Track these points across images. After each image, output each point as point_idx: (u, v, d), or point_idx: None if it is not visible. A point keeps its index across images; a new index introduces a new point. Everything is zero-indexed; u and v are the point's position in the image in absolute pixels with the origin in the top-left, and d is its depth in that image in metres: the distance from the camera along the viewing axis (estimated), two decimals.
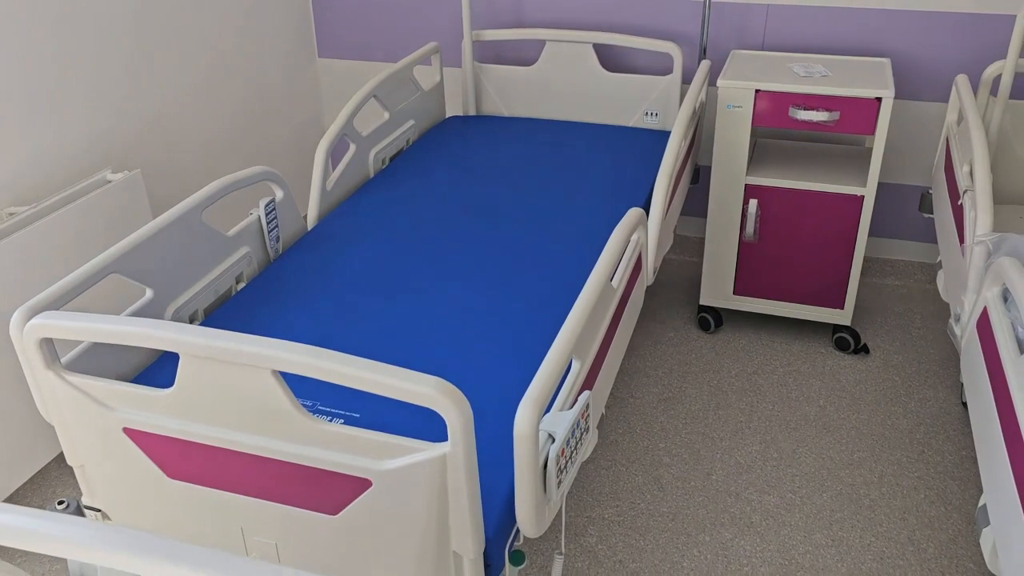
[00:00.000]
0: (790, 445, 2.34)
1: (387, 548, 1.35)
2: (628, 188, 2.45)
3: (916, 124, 2.90)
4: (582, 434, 1.45)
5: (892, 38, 2.80)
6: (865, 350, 2.71)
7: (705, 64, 2.68)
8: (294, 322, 1.86)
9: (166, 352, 1.78)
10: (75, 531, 0.89)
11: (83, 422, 1.45)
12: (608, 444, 2.36)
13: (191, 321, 1.86)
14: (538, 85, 3.03)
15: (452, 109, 3.36)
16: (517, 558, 1.47)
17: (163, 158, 2.69)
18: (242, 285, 2.02)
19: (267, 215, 2.08)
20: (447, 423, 1.19)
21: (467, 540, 1.30)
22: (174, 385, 1.35)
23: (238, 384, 1.30)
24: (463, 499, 1.25)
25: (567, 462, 1.39)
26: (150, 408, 1.39)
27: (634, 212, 1.83)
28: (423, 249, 2.15)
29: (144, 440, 1.42)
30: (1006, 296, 1.70)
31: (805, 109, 2.43)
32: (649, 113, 2.94)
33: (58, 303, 1.51)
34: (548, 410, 1.44)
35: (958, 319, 1.91)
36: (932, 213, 2.60)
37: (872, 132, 2.42)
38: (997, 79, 2.63)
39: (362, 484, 1.31)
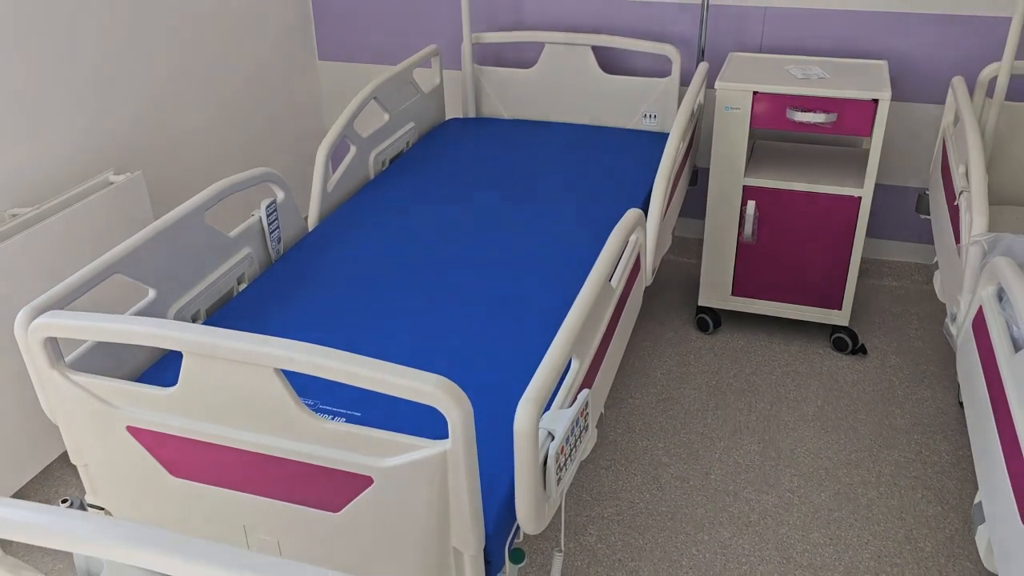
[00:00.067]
0: (788, 445, 2.36)
1: (388, 545, 1.36)
2: (627, 189, 2.47)
3: (913, 126, 2.91)
4: (581, 432, 1.46)
5: (889, 40, 2.81)
6: (863, 350, 2.72)
7: (703, 66, 2.70)
8: (295, 322, 1.88)
9: (169, 352, 1.79)
10: (81, 525, 0.91)
11: (87, 421, 1.46)
12: (607, 444, 2.37)
13: (193, 321, 1.88)
14: (537, 87, 3.04)
15: (452, 111, 3.38)
16: (517, 556, 1.48)
17: (164, 160, 2.70)
18: (244, 286, 2.04)
19: (268, 216, 2.09)
20: (448, 420, 1.20)
21: (468, 536, 1.31)
22: (177, 384, 1.36)
23: (241, 382, 1.31)
24: (464, 496, 1.26)
25: (567, 459, 1.40)
26: (154, 407, 1.40)
27: (633, 213, 1.84)
28: (423, 250, 2.16)
29: (147, 438, 1.43)
30: (1001, 295, 1.72)
31: (803, 111, 2.45)
32: (648, 115, 2.96)
33: (62, 303, 1.53)
34: (548, 408, 1.46)
35: (954, 319, 1.93)
36: (929, 214, 2.61)
37: (869, 134, 2.44)
38: (993, 81, 2.64)
39: (364, 481, 1.32)
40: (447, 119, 3.09)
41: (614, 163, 2.65)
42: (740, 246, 2.68)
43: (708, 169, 3.01)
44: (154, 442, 1.43)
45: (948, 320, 1.98)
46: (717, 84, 2.50)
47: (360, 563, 1.40)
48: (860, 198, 2.51)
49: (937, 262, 2.32)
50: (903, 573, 1.97)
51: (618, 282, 1.80)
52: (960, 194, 2.06)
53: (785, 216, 2.60)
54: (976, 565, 1.99)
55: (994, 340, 1.61)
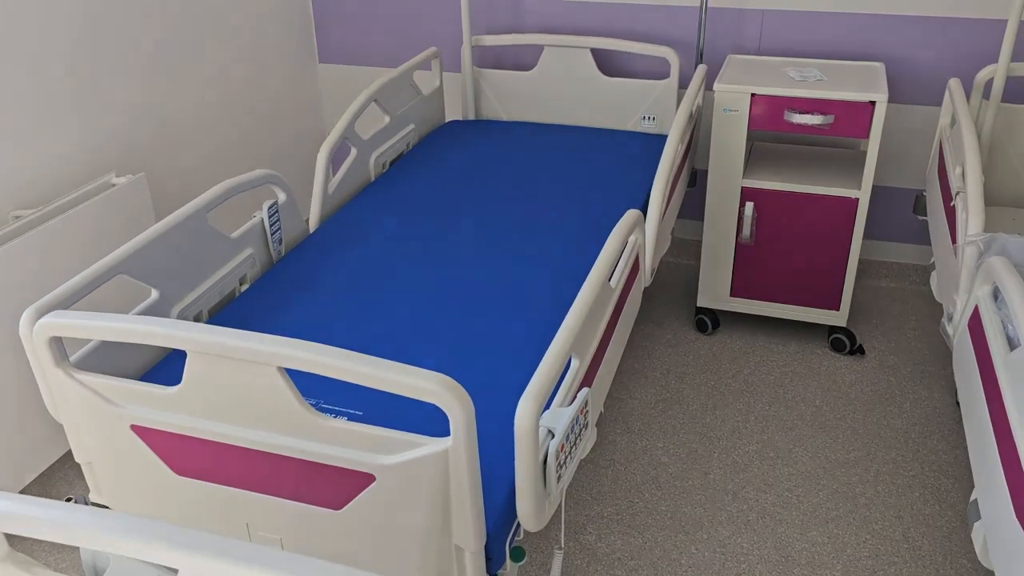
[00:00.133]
0: (787, 444, 2.37)
1: (390, 542, 1.38)
2: (626, 191, 2.48)
3: (910, 127, 2.93)
4: (581, 430, 1.48)
5: (886, 43, 2.83)
6: (861, 351, 2.74)
7: (701, 69, 2.72)
8: (297, 322, 1.89)
9: (171, 351, 1.81)
10: (89, 520, 0.92)
11: (91, 419, 1.47)
12: (607, 444, 2.39)
13: (196, 321, 1.89)
14: (537, 89, 3.06)
15: (452, 113, 3.39)
16: (517, 554, 1.50)
17: (167, 162, 2.72)
18: (246, 286, 2.05)
19: (270, 217, 2.11)
20: (449, 418, 1.21)
21: (469, 533, 1.32)
22: (181, 383, 1.37)
23: (244, 381, 1.32)
24: (465, 493, 1.28)
25: (567, 457, 1.41)
26: (157, 405, 1.41)
27: (632, 213, 1.86)
28: (424, 250, 2.18)
29: (151, 437, 1.44)
30: (996, 295, 1.74)
31: (800, 113, 2.47)
32: (646, 117, 2.97)
33: (67, 303, 1.54)
34: (548, 407, 1.47)
35: (950, 318, 1.95)
36: (926, 215, 2.63)
37: (866, 135, 2.45)
38: (989, 83, 2.66)
39: (366, 479, 1.33)
40: (447, 121, 3.11)
41: (613, 165, 2.67)
42: (738, 247, 2.70)
43: (707, 171, 3.03)
44: (158, 440, 1.44)
45: (944, 320, 2.00)
46: (715, 86, 2.52)
47: (362, 560, 1.42)
48: (857, 199, 2.53)
49: (934, 263, 2.34)
50: (901, 571, 1.98)
51: (617, 282, 1.82)
52: (956, 195, 2.08)
53: (783, 217, 2.61)
54: (973, 563, 2.00)
55: (990, 339, 1.62)
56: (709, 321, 2.84)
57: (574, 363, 1.57)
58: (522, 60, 3.22)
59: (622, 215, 1.88)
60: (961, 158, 2.11)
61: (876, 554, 2.03)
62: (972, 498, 1.58)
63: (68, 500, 1.57)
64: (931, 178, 2.60)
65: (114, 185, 2.32)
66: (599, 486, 2.24)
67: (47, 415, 2.14)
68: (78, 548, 2.05)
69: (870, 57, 2.86)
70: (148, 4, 2.56)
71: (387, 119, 2.72)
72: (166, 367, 1.77)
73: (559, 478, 1.40)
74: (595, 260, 1.68)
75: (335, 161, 3.40)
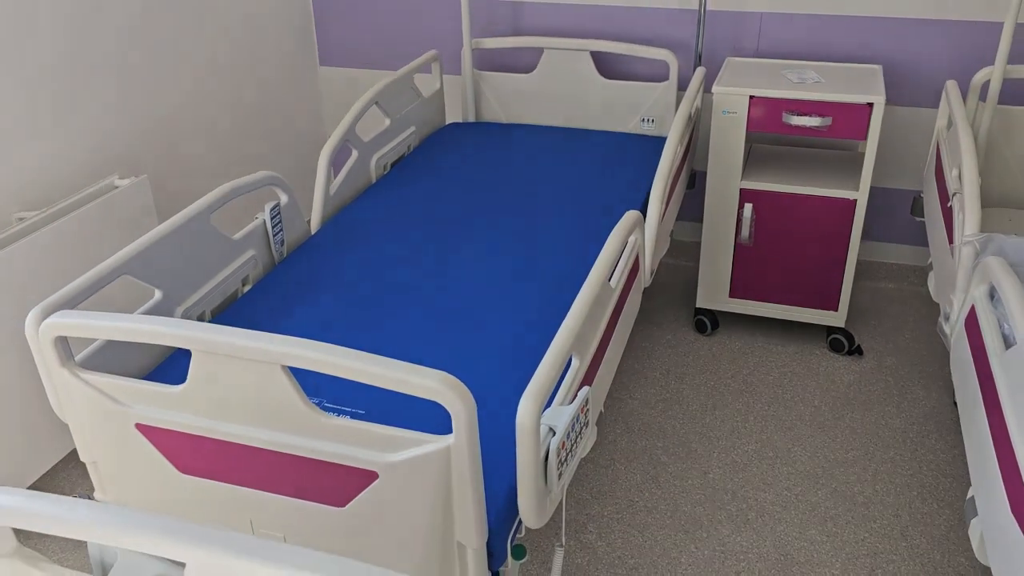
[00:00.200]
0: (786, 444, 2.39)
1: (393, 539, 1.39)
2: (625, 192, 2.50)
3: (907, 129, 2.95)
4: (582, 428, 1.49)
5: (883, 45, 2.85)
6: (859, 351, 2.75)
7: (700, 71, 2.74)
8: (299, 323, 1.91)
9: (175, 351, 1.82)
10: (97, 514, 0.93)
11: (96, 418, 1.49)
12: (607, 443, 2.40)
13: (199, 321, 1.90)
14: (537, 92, 3.08)
15: (452, 116, 3.41)
16: (518, 552, 1.51)
17: (168, 164, 2.73)
18: (248, 287, 2.07)
19: (272, 219, 2.12)
20: (451, 415, 1.23)
21: (471, 530, 1.34)
22: (186, 381, 1.39)
23: (249, 380, 1.34)
24: (467, 490, 1.29)
25: (567, 455, 1.43)
26: (162, 404, 1.43)
27: (631, 214, 1.87)
28: (425, 251, 2.19)
29: (156, 435, 1.46)
30: (993, 294, 1.75)
31: (798, 115, 2.48)
32: (646, 119, 2.99)
33: (72, 303, 1.56)
34: (549, 405, 1.49)
35: (947, 318, 1.96)
36: (923, 216, 2.65)
37: (864, 137, 2.47)
38: (986, 85, 2.68)
39: (369, 476, 1.35)
40: (447, 124, 3.12)
41: (613, 167, 2.68)
42: (737, 248, 2.71)
43: (706, 172, 3.04)
44: (162, 439, 1.45)
45: (941, 319, 2.01)
46: (714, 89, 2.54)
47: (365, 557, 1.43)
48: (855, 201, 2.55)
49: (931, 263, 2.36)
50: (899, 569, 2.00)
51: (617, 282, 1.83)
52: (953, 196, 2.10)
53: (782, 219, 2.63)
54: (970, 560, 2.02)
55: (986, 337, 1.64)
56: (708, 322, 2.85)
57: (574, 362, 1.58)
58: (522, 63, 3.24)
59: (621, 216, 1.89)
60: (958, 159, 2.13)
61: (874, 552, 2.04)
62: (969, 495, 1.59)
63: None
64: (928, 179, 2.62)
65: (117, 187, 2.34)
66: (599, 485, 2.26)
67: (50, 415, 2.15)
68: (85, 544, 2.07)
69: (867, 59, 2.88)
70: (151, 8, 2.57)
71: (388, 121, 2.74)
72: (170, 367, 1.78)
73: (560, 475, 1.41)
74: (595, 261, 1.69)
75: (336, 163, 3.42)
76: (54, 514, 0.95)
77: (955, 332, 1.88)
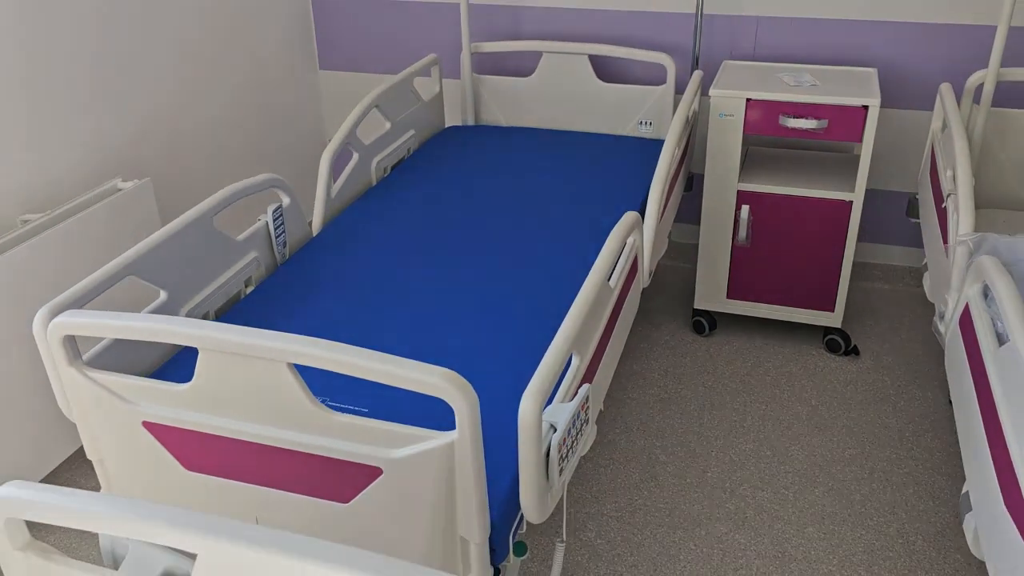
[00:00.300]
0: (783, 443, 2.41)
1: (397, 534, 1.41)
2: (624, 194, 2.52)
3: (902, 131, 2.98)
4: (582, 425, 1.51)
5: (878, 48, 2.88)
6: (855, 352, 2.78)
7: (697, 74, 2.76)
8: (301, 323, 1.93)
9: (179, 351, 1.84)
10: (110, 506, 0.95)
11: (104, 417, 1.51)
12: (606, 443, 2.42)
13: None
14: (535, 95, 3.10)
15: (451, 119, 3.44)
16: (520, 549, 1.53)
17: (171, 167, 2.76)
18: (251, 288, 2.09)
19: (275, 221, 2.14)
20: (455, 411, 1.25)
21: (474, 525, 1.36)
22: (193, 379, 1.41)
23: (255, 377, 1.36)
24: (470, 485, 1.31)
25: (568, 451, 1.45)
26: (169, 402, 1.45)
27: (630, 215, 1.90)
28: (425, 252, 2.21)
29: (163, 433, 1.48)
30: (986, 292, 1.78)
31: (795, 117, 2.51)
32: (643, 122, 3.02)
33: (79, 303, 1.58)
34: (550, 403, 1.51)
35: (942, 317, 1.99)
36: (919, 218, 2.67)
37: (860, 139, 2.50)
38: (980, 87, 2.71)
39: (373, 472, 1.37)
40: (447, 127, 3.15)
41: (611, 169, 2.71)
42: (735, 250, 2.74)
43: (703, 175, 3.07)
44: (169, 436, 1.47)
45: (937, 319, 2.04)
46: (711, 92, 2.56)
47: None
48: (851, 202, 2.57)
49: (926, 264, 2.38)
50: (895, 566, 2.02)
51: (616, 282, 1.85)
52: (948, 197, 2.12)
53: (778, 220, 2.66)
54: (966, 557, 2.04)
55: (980, 335, 1.66)
56: (706, 323, 2.88)
57: (575, 360, 1.60)
58: (521, 66, 3.27)
59: (620, 218, 1.92)
60: (952, 161, 2.16)
61: (871, 549, 2.07)
62: (963, 491, 1.62)
63: None
64: (923, 181, 2.64)
65: (120, 190, 2.36)
66: (599, 484, 2.28)
67: (55, 414, 2.17)
68: (93, 538, 2.08)
69: (863, 62, 2.91)
70: (152, 13, 2.60)
71: (388, 125, 2.76)
72: (174, 366, 1.80)
73: (561, 471, 1.43)
74: (594, 261, 1.72)
75: (337, 166, 3.45)
76: (69, 506, 0.97)
77: (950, 331, 1.90)
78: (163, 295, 1.81)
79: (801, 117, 2.51)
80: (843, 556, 2.05)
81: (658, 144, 2.91)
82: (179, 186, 2.80)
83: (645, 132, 3.03)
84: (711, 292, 2.82)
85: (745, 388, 2.63)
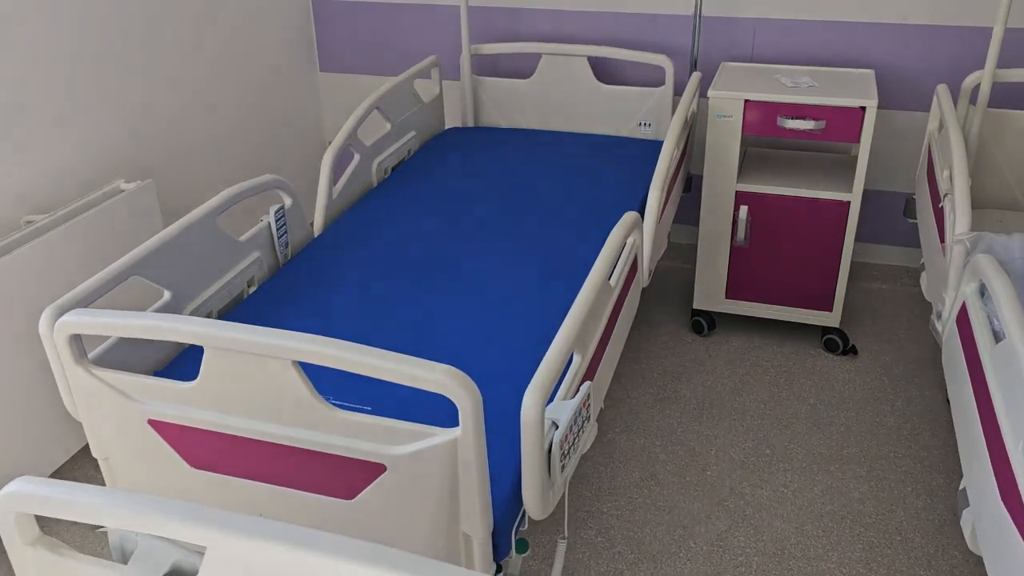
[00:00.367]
0: (782, 442, 2.42)
1: (400, 530, 1.42)
2: (624, 195, 2.54)
3: (899, 132, 3.00)
4: (584, 423, 1.53)
5: (876, 50, 2.90)
6: (853, 351, 2.79)
7: (696, 76, 2.78)
8: (303, 323, 1.94)
9: (182, 351, 1.86)
10: (118, 500, 0.97)
11: (110, 415, 1.52)
12: (606, 442, 2.44)
13: None
14: (535, 97, 3.12)
15: (451, 120, 3.45)
16: (521, 546, 1.55)
17: (173, 169, 2.77)
18: (253, 288, 2.10)
19: (277, 221, 2.16)
20: (458, 407, 1.26)
21: (477, 521, 1.37)
22: (198, 377, 1.42)
23: (260, 375, 1.37)
24: (473, 481, 1.33)
25: (570, 448, 1.47)
26: (175, 400, 1.46)
27: (630, 215, 1.91)
28: (426, 253, 2.23)
29: (168, 431, 1.49)
30: (983, 291, 1.80)
31: (793, 118, 2.53)
32: (643, 123, 3.03)
33: (84, 302, 1.59)
34: (552, 400, 1.52)
35: (939, 315, 2.00)
36: (916, 218, 2.69)
37: (857, 140, 2.52)
38: (976, 89, 2.73)
39: (377, 469, 1.38)
40: (447, 128, 3.16)
41: (610, 170, 2.72)
42: (733, 250, 2.75)
43: (702, 176, 3.09)
44: (174, 434, 1.49)
45: (934, 317, 2.06)
46: (710, 93, 2.58)
47: None
48: (849, 203, 2.59)
49: (924, 263, 2.40)
50: (893, 563, 2.04)
51: (617, 281, 1.87)
52: (944, 196, 2.14)
53: (777, 221, 2.67)
54: (963, 554, 2.06)
55: (976, 333, 1.68)
56: (705, 323, 2.89)
57: (576, 359, 1.62)
58: (520, 68, 3.29)
59: (619, 218, 1.93)
60: (949, 161, 2.18)
61: (870, 547, 2.08)
62: (960, 487, 1.63)
63: None
64: (920, 181, 2.66)
65: (123, 191, 2.37)
66: (599, 483, 2.29)
67: (59, 413, 2.19)
68: (98, 535, 2.09)
69: (860, 64, 2.93)
70: (153, 15, 2.61)
71: (389, 126, 2.78)
72: (179, 365, 1.81)
73: (563, 468, 1.45)
74: (594, 261, 1.73)
75: (338, 167, 3.47)
76: (79, 501, 0.98)
77: (947, 329, 1.92)
78: (167, 295, 1.83)
79: (799, 118, 2.52)
80: (842, 553, 2.06)
81: (657, 145, 2.93)
82: (180, 187, 2.82)
83: (644, 133, 3.05)
84: (710, 292, 2.84)
85: (744, 387, 2.65)
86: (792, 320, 2.82)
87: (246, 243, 2.08)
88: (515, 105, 3.15)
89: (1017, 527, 1.31)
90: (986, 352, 1.60)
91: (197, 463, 1.51)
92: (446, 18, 3.28)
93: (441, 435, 1.32)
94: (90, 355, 1.61)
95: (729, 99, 2.56)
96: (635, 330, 2.95)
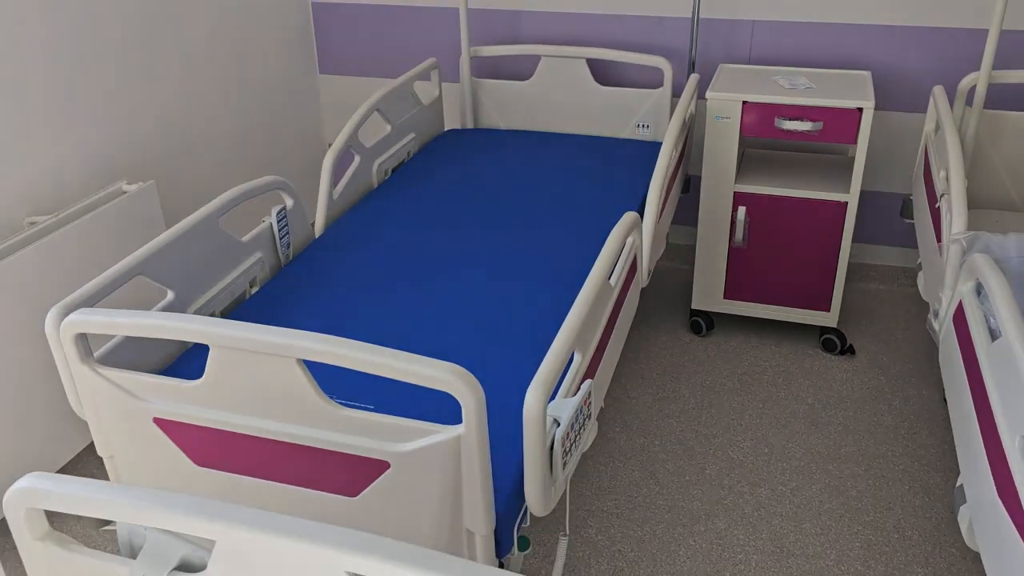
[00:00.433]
0: (780, 441, 2.44)
1: (403, 527, 1.44)
2: (623, 195, 2.56)
3: (896, 133, 3.02)
4: (585, 420, 1.54)
5: (872, 52, 2.92)
6: (851, 351, 2.81)
7: (694, 78, 2.80)
8: (306, 323, 1.96)
9: (188, 349, 1.87)
10: (128, 494, 0.98)
11: (115, 413, 1.53)
12: (606, 441, 2.45)
13: None
14: (534, 99, 3.14)
15: (451, 122, 3.47)
16: (523, 543, 1.56)
17: (175, 170, 2.78)
18: (256, 288, 2.11)
19: (279, 222, 2.17)
20: (461, 404, 1.28)
21: (479, 518, 1.39)
22: (203, 376, 1.44)
23: (265, 373, 1.39)
24: (476, 478, 1.34)
25: (571, 445, 1.48)
26: (180, 398, 1.48)
27: (630, 215, 1.93)
28: (427, 253, 2.24)
29: (173, 429, 1.50)
30: (979, 290, 1.82)
31: (790, 120, 2.55)
32: (641, 125, 3.05)
33: (89, 302, 1.60)
34: (553, 398, 1.54)
35: (936, 315, 2.02)
36: (913, 218, 2.71)
37: (854, 141, 2.53)
38: (972, 90, 2.75)
39: (380, 466, 1.40)
40: (446, 130, 3.18)
41: (609, 171, 2.74)
42: (731, 251, 2.77)
43: (700, 177, 3.11)
44: (179, 432, 1.50)
45: (931, 316, 2.07)
46: (708, 94, 2.60)
47: None
48: (846, 203, 2.61)
49: (920, 263, 2.42)
50: (891, 560, 2.05)
51: (617, 281, 1.88)
52: (941, 197, 2.16)
53: (775, 221, 2.69)
54: (961, 551, 2.07)
55: (973, 331, 1.70)
56: (703, 323, 2.91)
57: (576, 357, 1.63)
58: (519, 70, 3.30)
59: (619, 218, 1.95)
60: (945, 162, 2.19)
61: (868, 544, 2.10)
62: (958, 484, 1.65)
63: None
64: (917, 182, 2.68)
65: (125, 192, 2.39)
66: (599, 482, 2.31)
67: (64, 412, 2.20)
68: (104, 533, 2.10)
69: (857, 66, 2.95)
70: (155, 18, 2.63)
71: (389, 128, 2.79)
72: (183, 363, 1.83)
73: (564, 465, 1.46)
74: (594, 261, 1.75)
75: (338, 168, 3.48)
76: (88, 496, 1.00)
77: (944, 327, 1.94)
78: (170, 295, 1.84)
79: (796, 119, 2.54)
80: (840, 551, 2.08)
81: (656, 146, 2.95)
82: (182, 188, 2.83)
83: (643, 135, 3.07)
84: (708, 293, 2.85)
85: (742, 387, 2.67)
86: (790, 320, 2.84)
87: (248, 243, 2.09)
88: (514, 107, 3.17)
89: (1014, 522, 1.33)
90: (982, 350, 1.62)
91: (202, 461, 1.52)
92: (445, 21, 3.30)
93: (444, 432, 1.33)
94: (96, 354, 1.62)
95: (727, 100, 2.58)
96: (634, 330, 2.97)
